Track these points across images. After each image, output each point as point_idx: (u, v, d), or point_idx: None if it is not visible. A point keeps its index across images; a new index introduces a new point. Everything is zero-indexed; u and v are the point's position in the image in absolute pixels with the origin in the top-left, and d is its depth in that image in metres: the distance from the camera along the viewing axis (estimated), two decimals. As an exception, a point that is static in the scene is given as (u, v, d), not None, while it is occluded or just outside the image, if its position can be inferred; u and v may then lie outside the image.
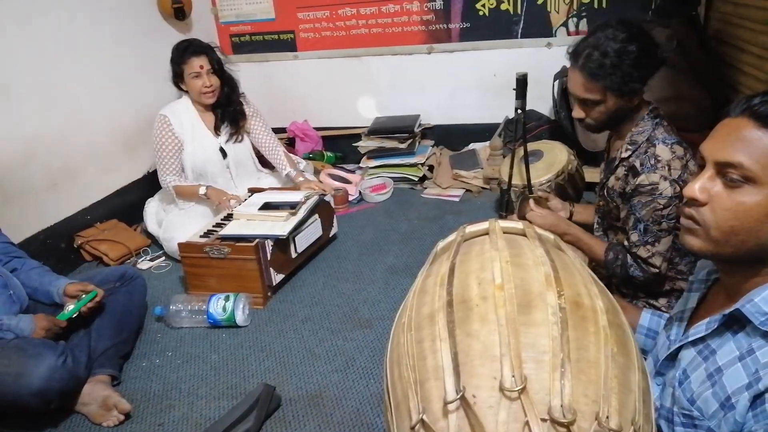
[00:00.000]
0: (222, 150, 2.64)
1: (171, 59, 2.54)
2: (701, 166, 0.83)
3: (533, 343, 0.82)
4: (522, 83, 2.07)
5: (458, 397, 0.79)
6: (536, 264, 0.96)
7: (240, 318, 2.03)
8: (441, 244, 1.20)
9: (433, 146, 3.37)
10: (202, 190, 2.49)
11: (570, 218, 1.80)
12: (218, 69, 2.53)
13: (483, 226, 1.16)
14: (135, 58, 2.92)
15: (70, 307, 1.77)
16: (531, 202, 1.70)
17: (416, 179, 3.15)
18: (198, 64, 2.47)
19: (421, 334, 0.92)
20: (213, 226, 2.31)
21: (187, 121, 2.60)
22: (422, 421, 0.80)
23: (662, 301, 1.57)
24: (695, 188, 0.81)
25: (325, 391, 1.70)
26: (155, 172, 2.71)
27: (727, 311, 0.82)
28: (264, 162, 2.84)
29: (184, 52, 2.50)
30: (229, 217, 2.37)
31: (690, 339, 0.88)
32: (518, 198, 2.39)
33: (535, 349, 0.82)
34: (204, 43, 2.55)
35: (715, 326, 0.84)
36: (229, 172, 2.69)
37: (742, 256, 0.81)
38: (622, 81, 1.42)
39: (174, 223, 2.58)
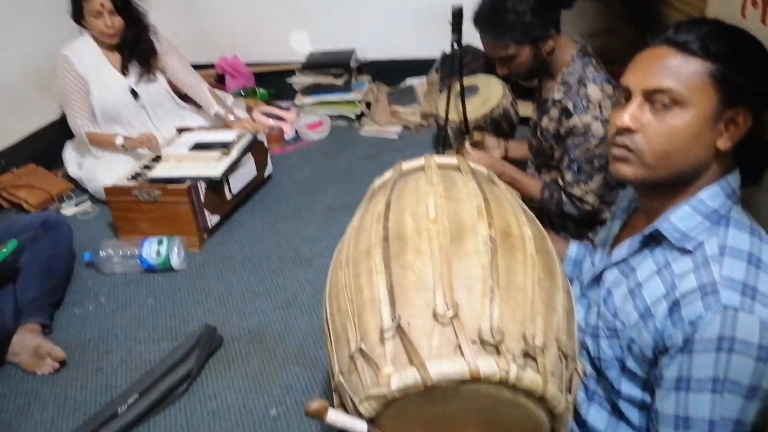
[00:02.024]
0: (133, 92, 2.46)
1: None
2: (625, 98, 0.86)
3: (465, 272, 0.86)
4: (457, 17, 2.04)
5: (394, 325, 0.82)
6: (469, 197, 0.99)
7: (175, 261, 1.99)
8: (378, 181, 1.21)
9: (369, 82, 3.31)
10: (119, 140, 2.34)
11: (505, 156, 1.84)
12: (122, 7, 2.33)
13: (419, 162, 1.18)
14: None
15: None
16: (467, 145, 1.72)
17: (353, 116, 3.11)
18: (98, 2, 2.26)
19: (358, 269, 0.94)
20: (141, 168, 2.21)
21: (91, 61, 2.40)
22: (360, 349, 0.84)
23: (592, 232, 1.65)
24: (625, 117, 0.83)
25: (267, 329, 1.72)
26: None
27: (646, 231, 0.88)
28: (187, 98, 2.69)
29: None
30: (157, 158, 2.27)
31: (613, 262, 0.94)
32: (455, 135, 2.42)
33: (467, 277, 0.85)
34: None
35: (637, 247, 0.90)
36: (146, 114, 2.52)
37: (674, 178, 0.85)
38: (524, 32, 1.46)
39: (96, 164, 2.45)
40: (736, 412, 0.77)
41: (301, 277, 1.94)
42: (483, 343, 0.79)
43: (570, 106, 1.49)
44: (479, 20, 1.52)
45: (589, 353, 0.96)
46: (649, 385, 0.87)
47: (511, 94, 2.51)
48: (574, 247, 1.27)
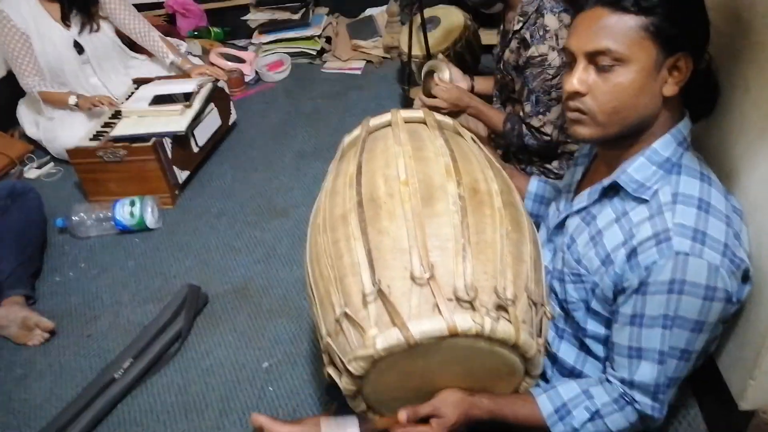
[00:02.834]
0: (77, 44, 2.33)
1: None
2: (571, 62, 0.88)
3: (437, 233, 0.90)
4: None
5: (375, 289, 0.87)
6: (437, 155, 1.02)
7: (150, 221, 2.00)
8: (347, 139, 1.22)
9: (328, 15, 3.20)
10: (72, 100, 2.24)
11: (471, 90, 1.84)
12: None
13: (386, 117, 1.18)
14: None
15: None
16: (436, 77, 1.72)
17: (314, 53, 3.03)
18: None
19: (336, 235, 0.97)
20: (102, 127, 2.15)
21: (29, 13, 2.24)
22: (345, 313, 0.89)
23: (555, 164, 1.70)
24: (574, 82, 0.87)
25: (250, 283, 1.77)
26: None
27: (606, 183, 0.93)
28: (137, 48, 2.57)
29: None
30: (117, 114, 2.20)
31: (575, 209, 1.00)
32: (419, 70, 2.39)
33: (440, 237, 0.90)
34: None
35: (596, 197, 0.95)
36: (91, 68, 2.40)
37: (627, 131, 0.89)
38: None
39: (54, 122, 2.37)
40: (683, 344, 0.86)
41: (278, 229, 1.97)
42: (458, 300, 0.85)
43: (527, 36, 1.50)
44: None
45: (556, 295, 1.03)
46: (612, 322, 0.95)
47: (473, 24, 2.48)
48: (534, 183, 1.32)
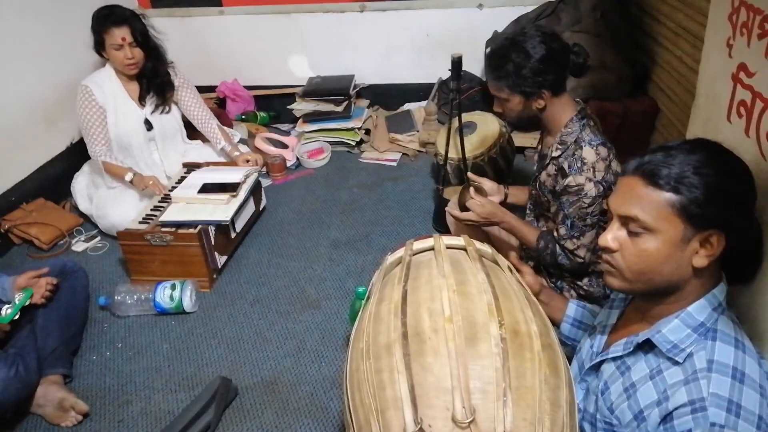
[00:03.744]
0: (147, 122, 2.54)
1: (91, 27, 2.37)
2: (611, 218, 0.96)
3: (480, 375, 0.94)
4: (457, 65, 2.11)
5: (417, 428, 0.90)
6: (479, 292, 1.07)
7: (188, 305, 2.07)
8: (390, 258, 1.28)
9: (368, 107, 3.38)
10: (128, 177, 2.40)
11: (504, 200, 1.92)
12: (142, 40, 2.40)
13: (428, 242, 1.25)
14: (45, 26, 2.70)
15: (9, 310, 1.74)
16: (471, 190, 1.80)
17: (353, 143, 3.18)
18: (119, 35, 2.33)
19: (379, 364, 1.02)
20: (151, 210, 2.27)
21: (110, 91, 2.47)
22: (386, 448, 0.92)
23: (585, 281, 1.74)
24: (608, 239, 0.95)
25: (279, 378, 1.80)
26: (79, 143, 2.60)
27: (641, 339, 0.97)
28: (191, 134, 2.77)
29: (104, 21, 2.34)
30: (166, 198, 2.33)
31: (610, 356, 1.03)
32: (454, 173, 2.49)
33: (482, 380, 0.94)
34: (127, 11, 2.39)
35: (631, 349, 0.99)
36: (155, 145, 2.60)
37: (654, 291, 0.95)
38: (518, 83, 1.57)
39: (106, 199, 2.51)
40: None
41: (309, 321, 2.02)
42: (497, 447, 0.88)
43: (566, 166, 1.58)
44: (488, 57, 1.67)
45: (587, 437, 1.05)
46: None
47: (507, 130, 2.60)
48: (572, 307, 1.36)
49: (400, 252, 1.27)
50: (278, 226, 2.57)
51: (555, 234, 1.65)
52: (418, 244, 1.26)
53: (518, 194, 2.02)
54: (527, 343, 1.01)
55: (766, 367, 0.94)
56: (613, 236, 0.94)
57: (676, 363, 0.92)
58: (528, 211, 1.91)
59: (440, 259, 1.16)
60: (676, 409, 0.87)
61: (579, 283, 1.74)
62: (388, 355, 1.01)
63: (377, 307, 1.14)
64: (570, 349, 1.30)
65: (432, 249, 1.23)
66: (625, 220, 0.92)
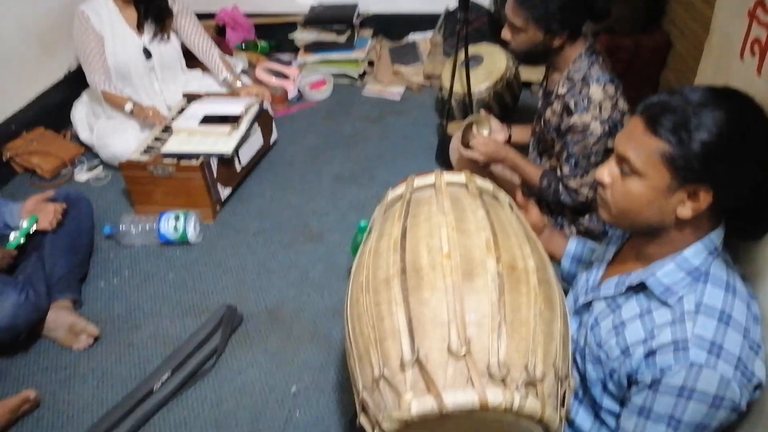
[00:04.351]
0: (146, 50, 2.48)
1: None
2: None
3: (476, 309, 0.97)
4: (465, -5, 2.04)
5: (414, 357, 0.95)
6: (478, 229, 1.09)
7: (192, 236, 2.10)
8: (390, 194, 1.29)
9: (372, 37, 3.28)
10: (128, 107, 2.36)
11: (509, 140, 1.90)
12: None
13: (430, 179, 1.26)
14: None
15: (15, 234, 1.77)
16: (474, 129, 1.78)
17: (356, 75, 3.11)
18: None
19: (378, 297, 1.05)
20: (153, 140, 2.26)
21: (107, 17, 2.40)
22: (383, 375, 0.96)
23: (585, 218, 1.76)
24: (604, 173, 0.97)
25: (282, 306, 1.86)
26: (77, 71, 2.55)
27: (634, 282, 0.99)
28: (189, 62, 2.69)
29: None
30: (168, 129, 2.31)
31: (602, 296, 1.06)
32: (459, 108, 2.46)
33: (477, 313, 0.97)
34: None
35: (623, 290, 1.01)
36: (155, 75, 2.54)
37: (637, 230, 0.99)
38: (544, 17, 1.50)
39: (106, 129, 2.49)
40: None
41: (311, 253, 2.06)
42: (491, 376, 0.92)
43: (572, 104, 1.55)
44: None
45: (577, 368, 1.09)
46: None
47: (514, 64, 2.54)
48: (573, 243, 1.39)
49: (401, 188, 1.28)
50: (281, 160, 2.57)
51: (558, 172, 1.65)
52: (419, 181, 1.26)
53: (521, 133, 2.00)
54: (524, 278, 1.03)
55: (755, 309, 0.96)
56: (608, 171, 0.97)
57: (666, 304, 0.94)
58: (531, 149, 1.90)
59: (440, 197, 1.17)
60: (660, 347, 0.91)
61: (579, 219, 1.76)
62: (387, 289, 1.04)
63: (377, 242, 1.16)
64: (569, 286, 1.33)
65: (433, 185, 1.24)
66: (620, 159, 0.94)
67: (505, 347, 0.94)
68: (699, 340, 0.88)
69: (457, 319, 0.95)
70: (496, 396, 0.89)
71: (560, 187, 1.65)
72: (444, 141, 2.32)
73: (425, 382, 0.93)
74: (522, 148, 1.87)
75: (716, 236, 0.94)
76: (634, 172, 0.91)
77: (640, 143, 0.89)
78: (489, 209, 1.15)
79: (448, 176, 1.25)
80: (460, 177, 1.26)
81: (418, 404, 0.91)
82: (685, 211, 0.90)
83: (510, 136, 1.94)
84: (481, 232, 1.08)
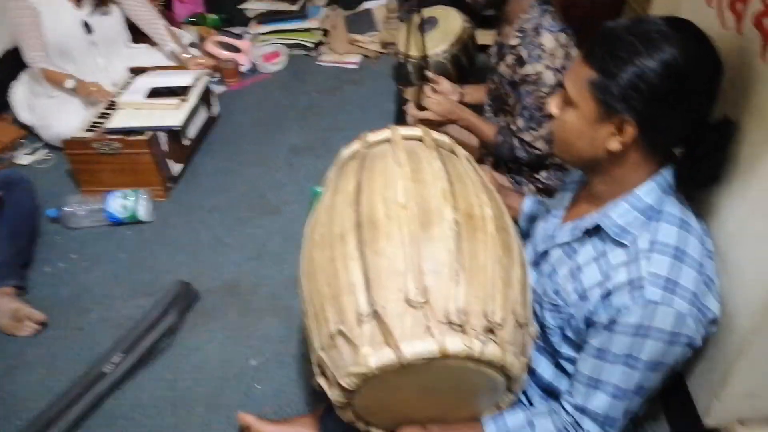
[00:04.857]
0: (86, 24, 2.34)
1: None
2: None
3: (433, 257, 0.93)
4: (416, -49, 1.97)
5: (370, 310, 0.90)
6: (434, 179, 1.04)
7: (143, 214, 2.00)
8: (345, 152, 1.24)
9: (326, 6, 3.19)
10: (69, 84, 2.23)
11: (462, 101, 1.87)
12: None
13: (384, 134, 1.21)
14: None
15: None
16: (427, 90, 1.74)
17: (311, 45, 3.03)
18: None
19: (333, 253, 1.00)
20: (97, 118, 2.14)
21: None
22: (340, 330, 0.92)
23: (543, 174, 1.74)
24: (552, 104, 0.95)
25: (240, 280, 1.79)
26: (14, 51, 2.39)
27: (589, 225, 0.96)
28: (137, 38, 2.56)
29: None
30: (113, 105, 2.19)
31: (557, 243, 1.04)
32: (416, 71, 2.40)
33: (435, 262, 0.93)
34: None
35: (579, 235, 0.99)
36: (97, 50, 2.40)
37: (577, 163, 0.98)
38: None
39: (48, 108, 2.35)
40: (640, 382, 0.91)
41: (269, 226, 1.99)
42: (450, 323, 0.88)
43: (524, 54, 1.52)
44: None
45: (537, 316, 1.07)
46: None
47: (470, 25, 2.49)
48: (527, 203, 1.36)
49: (355, 145, 1.23)
50: (235, 133, 2.48)
51: (513, 127, 1.62)
52: (374, 136, 1.22)
53: (474, 93, 1.97)
54: (481, 225, 1.00)
55: (708, 245, 0.95)
56: (555, 103, 0.95)
57: (621, 245, 0.92)
58: (486, 107, 1.87)
59: (396, 149, 1.13)
60: (615, 288, 0.89)
61: (536, 176, 1.74)
62: (342, 243, 0.99)
63: (332, 199, 1.11)
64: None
65: (388, 140, 1.19)
66: (563, 90, 0.92)
67: (464, 294, 0.91)
68: (654, 277, 0.86)
69: (414, 268, 0.92)
70: (455, 343, 0.86)
71: (515, 141, 1.63)
72: (402, 106, 2.27)
73: (383, 334, 0.89)
74: (477, 109, 1.84)
75: (668, 173, 0.92)
76: (570, 103, 0.90)
77: (576, 73, 0.89)
78: (445, 160, 1.12)
79: (403, 130, 1.21)
80: (416, 131, 1.21)
81: (376, 357, 0.87)
82: (614, 144, 0.88)
83: (463, 95, 1.90)
84: (437, 182, 1.04)
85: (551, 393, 1.09)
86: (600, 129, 0.88)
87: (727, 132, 0.92)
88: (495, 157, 1.82)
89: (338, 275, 0.96)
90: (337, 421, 1.05)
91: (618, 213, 0.92)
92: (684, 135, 0.89)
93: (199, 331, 1.64)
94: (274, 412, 1.43)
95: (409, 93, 2.33)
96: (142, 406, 1.46)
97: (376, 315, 0.90)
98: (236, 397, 1.47)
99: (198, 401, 1.47)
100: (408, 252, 0.93)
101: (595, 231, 0.96)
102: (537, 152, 1.61)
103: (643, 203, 0.91)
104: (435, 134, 1.21)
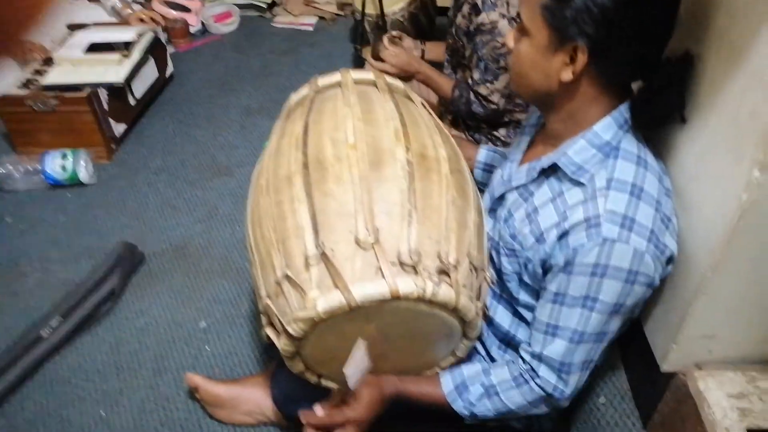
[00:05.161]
0: None
1: None
2: None
3: (384, 198, 0.89)
4: None
5: (318, 252, 0.85)
6: (386, 120, 1.00)
7: (84, 175, 1.89)
8: (294, 97, 1.18)
9: (279, -34, 3.07)
10: None
11: (422, 57, 1.82)
12: None
13: (335, 77, 1.15)
14: None
15: None
16: (385, 40, 1.68)
17: (264, 6, 2.91)
18: None
19: (280, 196, 0.95)
20: (32, 74, 2.00)
21: None
22: (286, 275, 0.87)
23: (502, 132, 1.71)
24: (509, 37, 0.91)
25: (189, 242, 1.71)
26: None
27: (545, 164, 0.94)
28: None
29: None
30: (48, 60, 2.05)
31: (513, 185, 1.01)
32: (372, 31, 2.34)
33: (386, 202, 0.89)
34: None
35: (535, 176, 0.96)
36: None
37: (532, 97, 0.94)
38: None
39: (-21, 67, 2.20)
40: (599, 326, 0.88)
41: (220, 188, 1.91)
42: (402, 264, 0.84)
43: (479, 2, 1.48)
44: None
45: (493, 263, 1.05)
46: None
47: (428, -15, 2.44)
48: (483, 152, 1.33)
49: (304, 89, 1.17)
50: (184, 95, 2.36)
51: (469, 80, 1.58)
52: (323, 80, 1.16)
53: (436, 50, 1.92)
54: (435, 166, 0.96)
55: (666, 183, 0.93)
56: (512, 35, 0.91)
57: (578, 184, 0.89)
58: (446, 63, 1.83)
59: (347, 92, 1.07)
60: (572, 227, 0.86)
61: (496, 134, 1.71)
62: (289, 186, 0.94)
63: (278, 142, 1.05)
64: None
65: (339, 84, 1.13)
66: (520, 21, 0.88)
67: (416, 235, 0.87)
68: (611, 214, 0.83)
69: (364, 209, 0.87)
70: (407, 284, 0.83)
71: (471, 95, 1.59)
72: (359, 66, 2.21)
73: (332, 277, 0.84)
74: (439, 66, 1.79)
75: (625, 109, 0.90)
76: (524, 32, 0.86)
77: (532, 1, 0.84)
78: (399, 103, 1.07)
79: (355, 73, 1.15)
80: (369, 74, 1.16)
81: (324, 300, 0.83)
82: (566, 74, 0.84)
83: (423, 53, 1.85)
84: (389, 122, 0.99)
85: (509, 343, 1.08)
86: (553, 59, 0.84)
87: (685, 66, 0.90)
88: (453, 114, 1.78)
89: (285, 219, 0.91)
90: (289, 377, 1.01)
91: (575, 150, 0.89)
92: (639, 67, 0.86)
93: (145, 295, 1.56)
94: (225, 373, 1.38)
95: (366, 52, 2.27)
96: (83, 371, 1.39)
97: (324, 257, 0.85)
98: (185, 360, 1.41)
99: (144, 365, 1.40)
100: (358, 192, 0.88)
101: (552, 171, 0.94)
102: (493, 107, 1.58)
103: (600, 139, 0.88)
104: (389, 78, 1.17)
